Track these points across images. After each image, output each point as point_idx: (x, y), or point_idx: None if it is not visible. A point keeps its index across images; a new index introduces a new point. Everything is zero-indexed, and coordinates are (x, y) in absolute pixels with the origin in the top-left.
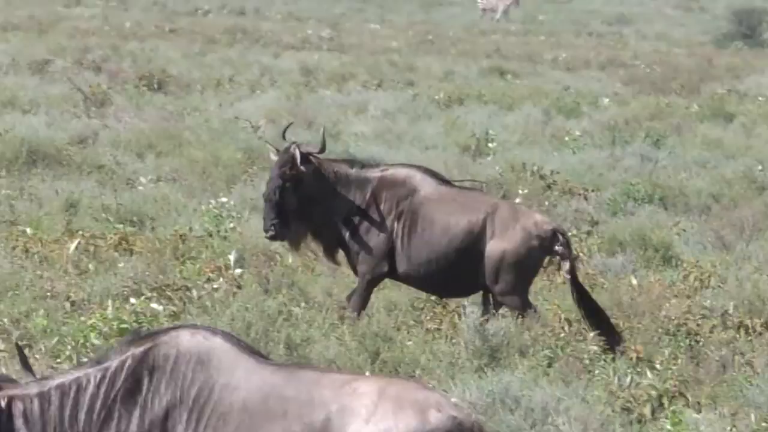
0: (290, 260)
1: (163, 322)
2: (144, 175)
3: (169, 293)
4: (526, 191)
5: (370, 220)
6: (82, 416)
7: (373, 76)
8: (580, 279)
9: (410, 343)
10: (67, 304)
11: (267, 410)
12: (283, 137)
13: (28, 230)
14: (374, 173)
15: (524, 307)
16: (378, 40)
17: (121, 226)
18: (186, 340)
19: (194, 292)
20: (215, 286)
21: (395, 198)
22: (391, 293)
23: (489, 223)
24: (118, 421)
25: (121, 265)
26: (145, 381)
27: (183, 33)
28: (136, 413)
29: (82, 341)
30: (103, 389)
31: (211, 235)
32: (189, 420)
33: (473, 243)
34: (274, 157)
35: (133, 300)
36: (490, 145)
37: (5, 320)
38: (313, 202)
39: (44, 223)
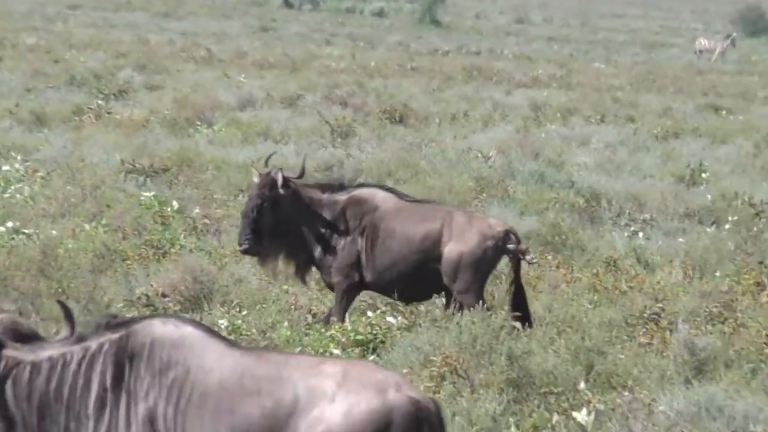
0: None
1: (396, 335)
2: None
3: (401, 308)
4: (735, 218)
5: (339, 237)
6: (65, 392)
7: (597, 111)
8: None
9: (622, 356)
10: (309, 317)
11: (242, 388)
12: (266, 164)
13: None
14: (342, 195)
15: (478, 302)
16: (602, 78)
17: None
18: (159, 328)
19: (423, 307)
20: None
21: (360, 214)
22: (607, 310)
23: (446, 229)
24: (110, 407)
25: None
26: (127, 368)
27: (423, 71)
28: (124, 399)
29: (322, 351)
30: (83, 368)
31: None
32: (169, 397)
33: (432, 248)
34: (256, 180)
35: (369, 313)
36: (703, 175)
37: (253, 330)
38: (288, 223)
39: None
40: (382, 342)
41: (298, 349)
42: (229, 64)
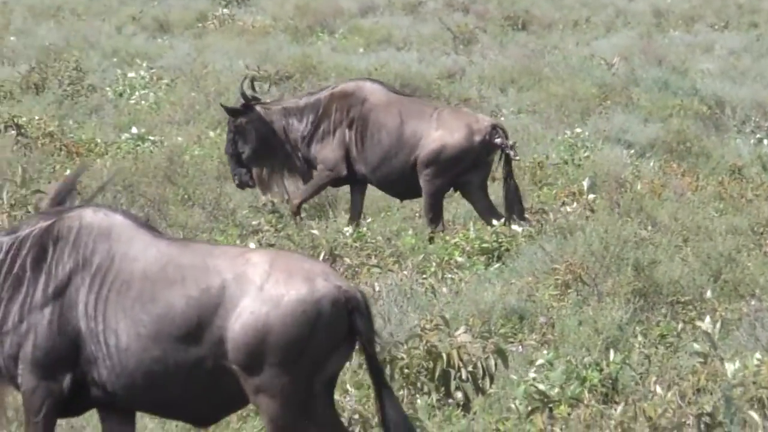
0: (638, 187)
1: (521, 242)
2: (506, 107)
3: (527, 215)
4: None
5: (325, 132)
6: None
7: (720, 18)
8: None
9: (750, 264)
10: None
11: (166, 277)
12: (241, 91)
13: None
14: (323, 93)
15: (436, 200)
16: None
17: None
18: (89, 215)
19: (550, 215)
20: (569, 209)
21: (346, 107)
22: (733, 218)
23: (435, 123)
24: (26, 287)
25: None
26: (50, 250)
27: None
28: (42, 279)
29: (446, 258)
30: (10, 255)
31: (566, 163)
32: (92, 284)
33: (419, 141)
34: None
35: (494, 221)
36: None
37: (379, 238)
38: (267, 145)
39: None
40: (507, 250)
41: (421, 256)
42: None
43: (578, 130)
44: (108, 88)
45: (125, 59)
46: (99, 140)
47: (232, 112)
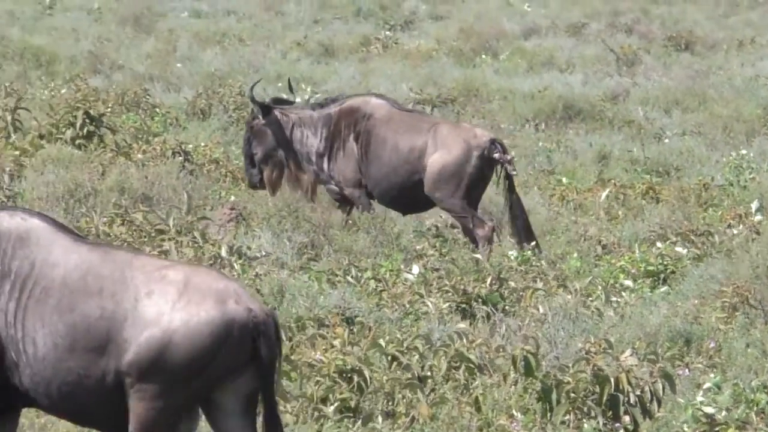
0: None
1: (686, 265)
2: (670, 129)
3: (692, 237)
4: None
5: (337, 148)
6: None
7: None
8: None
9: None
10: (599, 248)
11: (85, 286)
12: (250, 95)
13: (564, 180)
14: (334, 107)
15: (464, 211)
16: None
17: (649, 176)
18: (5, 220)
19: (716, 237)
20: (735, 231)
21: (353, 122)
22: None
23: (431, 140)
24: None
25: (648, 212)
26: None
27: None
28: None
29: (611, 282)
30: None
31: (731, 185)
32: (12, 291)
33: (418, 160)
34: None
35: (659, 244)
36: None
37: (542, 262)
38: (279, 149)
39: (578, 173)
40: (673, 272)
41: (587, 280)
42: None
43: (743, 151)
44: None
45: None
46: None
47: (262, 107)
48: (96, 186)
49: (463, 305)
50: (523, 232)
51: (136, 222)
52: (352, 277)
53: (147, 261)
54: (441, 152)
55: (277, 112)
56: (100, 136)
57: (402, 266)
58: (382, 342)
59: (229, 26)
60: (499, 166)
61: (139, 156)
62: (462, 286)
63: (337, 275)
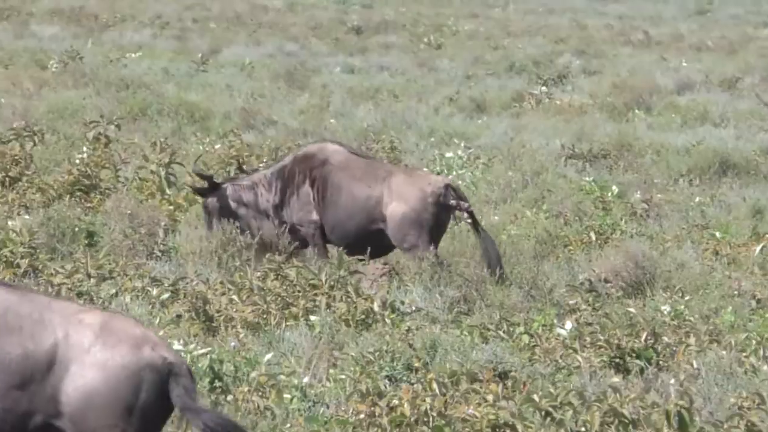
0: None
1: None
2: None
3: None
4: None
5: (291, 195)
6: None
7: None
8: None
9: None
10: (753, 302)
11: (6, 324)
12: (196, 172)
13: (718, 234)
14: (288, 158)
15: (431, 257)
16: None
17: None
18: None
19: None
20: None
21: (309, 168)
22: None
23: (386, 189)
24: None
25: None
26: None
27: None
28: None
29: (766, 337)
30: None
31: None
32: None
33: (374, 208)
34: None
35: None
36: None
37: (695, 316)
38: (239, 218)
39: (732, 228)
40: None
41: (743, 335)
42: (666, 47)
43: None
44: (425, 169)
45: (443, 139)
46: None
47: (199, 192)
48: (249, 241)
49: (617, 360)
50: (496, 263)
51: (289, 277)
52: (504, 331)
53: (65, 304)
54: (398, 202)
55: (227, 186)
56: None
57: (555, 321)
58: (535, 397)
59: (382, 82)
60: (457, 212)
61: None
62: (615, 341)
63: (489, 330)
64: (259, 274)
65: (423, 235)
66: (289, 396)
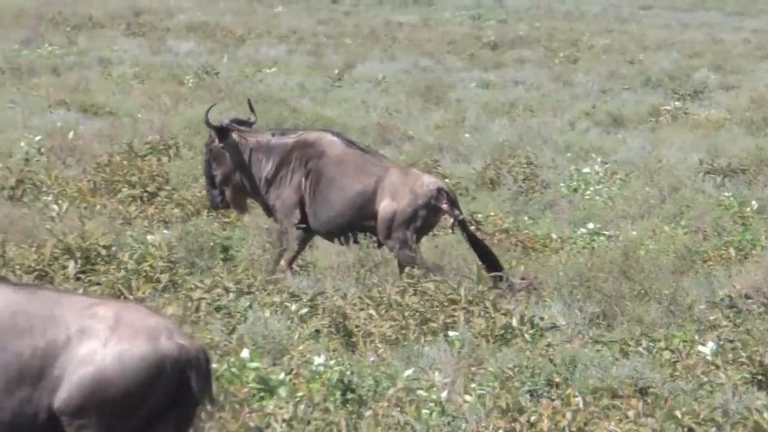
0: None
1: None
2: None
3: None
4: None
5: (284, 177)
6: None
7: None
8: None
9: None
10: None
11: (15, 326)
12: (206, 118)
13: None
14: (290, 138)
15: (415, 260)
16: None
17: None
18: None
19: None
20: None
21: (306, 157)
22: None
23: (379, 186)
24: None
25: None
26: None
27: None
28: None
29: None
30: None
31: None
32: None
33: (365, 205)
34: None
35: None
36: None
37: None
38: (237, 170)
39: None
40: None
41: None
42: None
43: None
44: (562, 184)
45: (579, 154)
46: (554, 235)
47: (218, 130)
48: (386, 256)
49: (759, 377)
50: (496, 268)
51: (428, 292)
52: (644, 347)
53: (76, 299)
54: (389, 201)
55: (234, 135)
56: None
57: (696, 337)
58: (677, 413)
59: (517, 96)
60: (447, 215)
61: None
62: (758, 358)
63: (629, 345)
64: (397, 289)
65: (409, 234)
66: (428, 411)
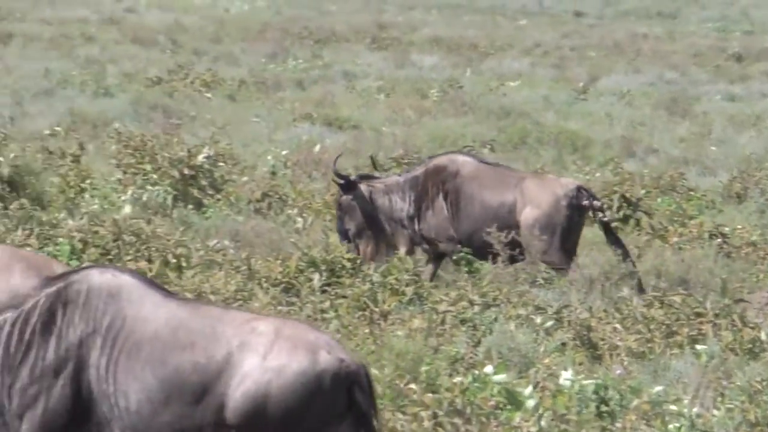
0: None
1: None
2: None
3: None
4: None
5: (425, 208)
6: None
7: None
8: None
9: None
10: None
11: (176, 341)
12: (334, 170)
13: None
14: (419, 170)
15: (562, 263)
16: None
17: None
18: (96, 277)
19: None
20: None
21: (441, 181)
22: None
23: (519, 195)
24: (36, 351)
25: None
26: (59, 314)
27: None
28: (52, 342)
29: None
30: (18, 326)
31: None
32: (103, 347)
33: (508, 216)
34: None
35: None
36: None
37: None
38: (371, 220)
39: None
40: None
41: None
42: None
43: None
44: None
45: None
46: None
47: (344, 183)
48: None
49: None
50: (632, 269)
51: (674, 305)
52: None
53: (237, 315)
54: (531, 207)
55: (362, 186)
56: (636, 220)
57: None
58: None
59: (764, 109)
60: (590, 213)
61: (675, 239)
62: None
63: None
64: (643, 302)
65: (554, 240)
66: (676, 425)
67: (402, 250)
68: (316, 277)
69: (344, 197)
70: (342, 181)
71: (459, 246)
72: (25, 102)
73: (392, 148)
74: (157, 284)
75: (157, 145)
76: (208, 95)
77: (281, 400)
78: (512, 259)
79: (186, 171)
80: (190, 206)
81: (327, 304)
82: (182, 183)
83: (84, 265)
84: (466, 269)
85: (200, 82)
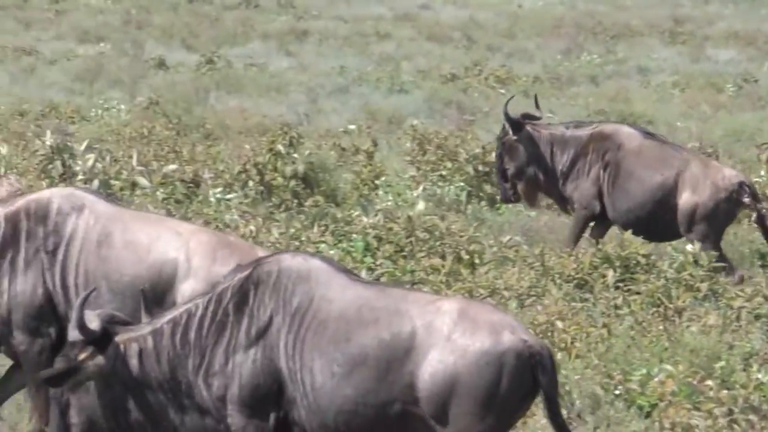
0: None
1: None
2: None
3: None
4: None
5: (582, 169)
6: (192, 335)
7: None
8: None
9: None
10: None
11: (360, 318)
12: (505, 110)
13: None
14: (586, 131)
15: (717, 251)
16: None
17: None
18: (287, 260)
19: None
20: None
21: (603, 150)
22: None
23: (680, 178)
24: (230, 331)
25: None
26: (251, 294)
27: None
28: (245, 322)
29: None
30: (211, 308)
31: None
32: (291, 325)
33: (666, 197)
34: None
35: None
36: None
37: None
38: (532, 164)
39: None
40: None
41: None
42: None
43: None
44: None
45: None
46: None
47: (513, 123)
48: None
49: None
50: None
51: None
52: None
53: (421, 295)
54: (690, 194)
55: (528, 128)
56: None
57: None
58: None
59: None
60: (747, 210)
61: None
62: None
63: None
64: None
65: (712, 228)
66: None
67: (555, 199)
68: (609, 273)
69: (508, 137)
70: (512, 121)
71: (590, 218)
72: (320, 99)
73: (687, 144)
74: (345, 268)
75: (454, 142)
76: (502, 91)
77: (467, 379)
78: (661, 237)
79: (480, 167)
80: (484, 203)
81: (620, 300)
82: (476, 179)
83: (275, 252)
84: (760, 263)
85: (494, 78)
